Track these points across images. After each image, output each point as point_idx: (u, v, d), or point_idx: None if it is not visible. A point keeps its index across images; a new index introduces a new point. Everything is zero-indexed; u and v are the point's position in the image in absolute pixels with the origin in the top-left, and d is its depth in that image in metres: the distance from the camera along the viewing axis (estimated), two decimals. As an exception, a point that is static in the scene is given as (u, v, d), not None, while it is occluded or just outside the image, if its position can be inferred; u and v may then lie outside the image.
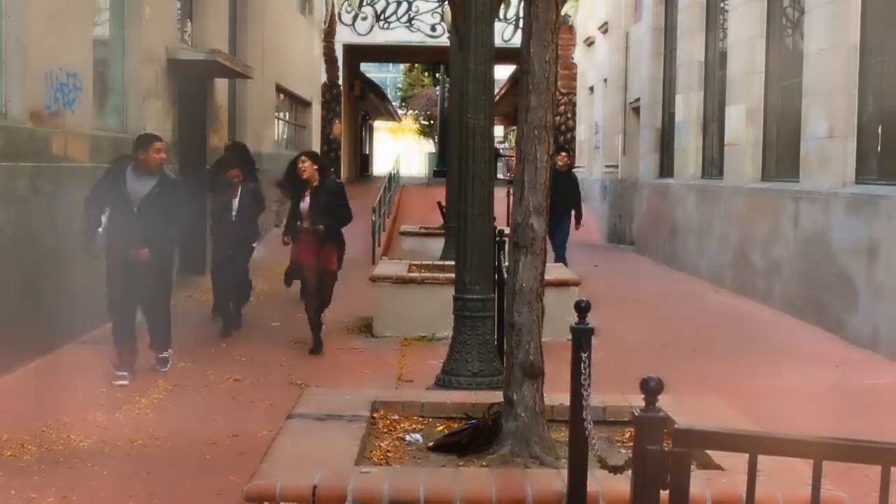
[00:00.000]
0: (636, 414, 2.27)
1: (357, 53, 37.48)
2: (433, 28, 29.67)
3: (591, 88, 26.92)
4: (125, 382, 7.45)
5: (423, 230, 14.94)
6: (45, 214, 8.35)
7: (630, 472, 2.33)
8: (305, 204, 8.95)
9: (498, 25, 7.34)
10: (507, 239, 5.48)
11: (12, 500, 4.82)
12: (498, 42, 7.28)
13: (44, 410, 6.55)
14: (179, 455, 5.64)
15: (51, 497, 4.86)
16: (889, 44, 9.99)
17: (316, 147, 30.18)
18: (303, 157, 9.21)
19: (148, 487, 5.07)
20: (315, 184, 8.98)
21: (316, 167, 9.14)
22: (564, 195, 13.26)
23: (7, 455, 5.54)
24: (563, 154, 14.58)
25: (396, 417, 4.50)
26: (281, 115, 24.17)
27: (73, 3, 9.58)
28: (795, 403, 7.17)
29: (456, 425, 4.29)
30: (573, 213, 14.00)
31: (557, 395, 3.95)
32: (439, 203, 13.84)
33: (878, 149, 10.26)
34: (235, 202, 10.08)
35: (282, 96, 23.69)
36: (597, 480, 3.30)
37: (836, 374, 8.52)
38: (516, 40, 4.77)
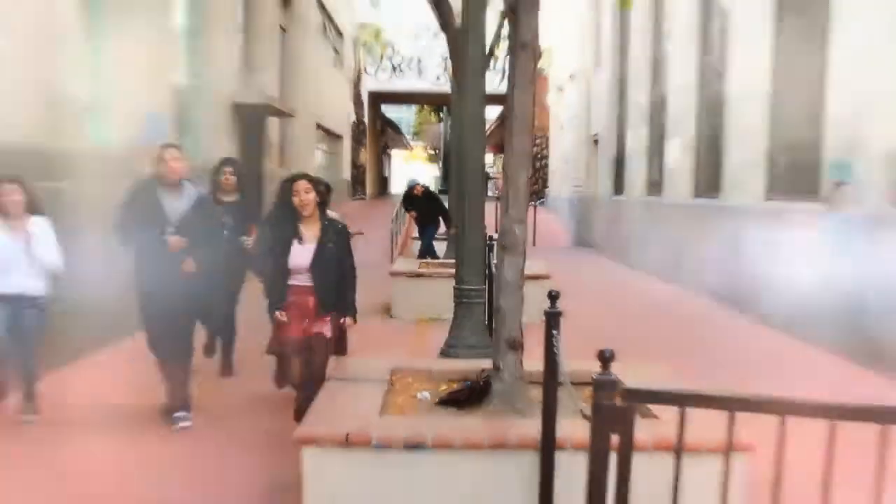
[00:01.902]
0: (594, 377, 2.29)
1: (378, 98, 37.49)
2: (438, 78, 29.83)
3: (561, 125, 26.90)
4: (188, 424, 5.40)
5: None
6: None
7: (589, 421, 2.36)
8: (301, 256, 5.01)
9: (488, 75, 7.35)
10: (495, 242, 5.52)
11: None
12: (488, 89, 7.29)
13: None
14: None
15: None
16: (789, 93, 10.01)
17: (346, 172, 30.19)
18: (300, 182, 5.08)
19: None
20: (316, 228, 5.08)
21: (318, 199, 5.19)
22: (431, 210, 13.73)
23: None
24: (420, 186, 14.39)
25: (410, 380, 4.53)
26: (319, 146, 24.18)
27: (162, 60, 9.62)
28: (716, 367, 7.21)
29: (456, 386, 4.31)
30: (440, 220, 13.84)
31: (534, 363, 3.98)
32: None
33: (784, 173, 10.29)
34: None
35: (320, 131, 23.70)
36: (563, 428, 3.33)
37: (746, 343, 8.56)
38: (503, 87, 4.77)
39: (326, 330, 5.05)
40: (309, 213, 5.05)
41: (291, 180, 5.11)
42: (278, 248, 5.03)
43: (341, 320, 5.10)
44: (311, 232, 5.07)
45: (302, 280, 5.04)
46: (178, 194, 5.44)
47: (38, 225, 5.49)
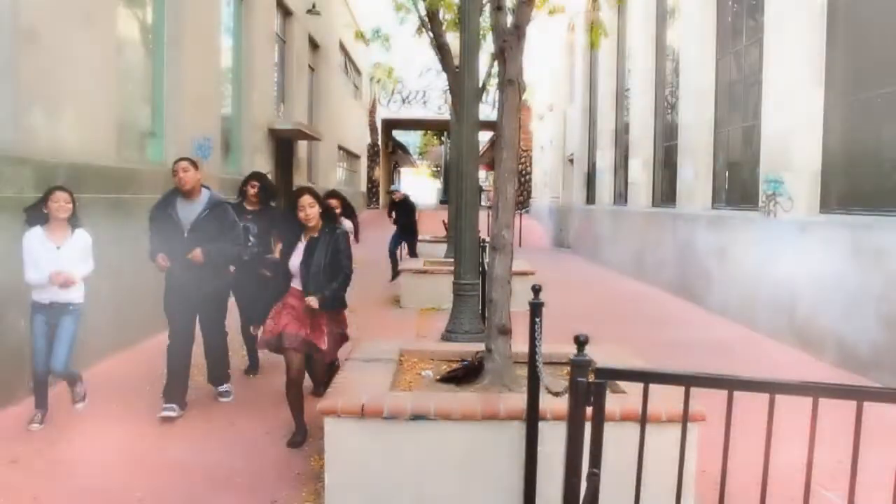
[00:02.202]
0: (571, 358, 2.26)
1: (390, 124, 37.49)
2: (439, 108, 29.82)
3: (542, 147, 26.90)
4: (172, 414, 4.86)
5: (433, 238, 14.93)
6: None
7: (567, 395, 2.32)
8: (297, 256, 4.50)
9: (481, 106, 7.32)
10: (487, 244, 5.48)
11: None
12: (481, 117, 7.25)
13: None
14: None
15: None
16: (733, 119, 9.99)
17: (363, 186, 30.17)
18: (304, 197, 4.52)
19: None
20: (315, 234, 4.51)
21: (321, 210, 4.58)
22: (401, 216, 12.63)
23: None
24: (399, 192, 13.12)
25: (416, 360, 4.49)
26: (341, 164, 24.17)
27: (208, 92, 9.59)
28: (674, 349, 7.17)
29: (455, 365, 4.27)
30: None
31: (520, 346, 3.94)
32: (443, 221, 13.83)
33: (726, 186, 10.28)
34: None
35: (341, 152, 23.69)
36: (545, 401, 3.29)
37: (697, 329, 8.52)
38: (493, 115, 4.75)
39: (322, 342, 4.38)
40: (314, 224, 4.48)
41: (296, 194, 4.53)
42: (286, 249, 4.57)
43: (307, 299, 4.32)
44: (309, 239, 4.53)
45: (298, 282, 4.47)
46: (194, 201, 5.02)
47: (81, 238, 4.77)
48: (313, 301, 4.29)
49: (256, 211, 6.10)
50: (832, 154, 7.44)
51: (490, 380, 3.86)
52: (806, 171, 7.63)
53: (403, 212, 12.79)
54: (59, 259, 4.65)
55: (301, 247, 4.48)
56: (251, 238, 5.87)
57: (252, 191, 6.15)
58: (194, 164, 5.08)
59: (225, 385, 5.46)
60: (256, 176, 6.34)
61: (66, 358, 4.72)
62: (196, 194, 5.05)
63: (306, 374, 4.72)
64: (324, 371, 4.75)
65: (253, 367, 6.21)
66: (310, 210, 4.45)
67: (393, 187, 13.16)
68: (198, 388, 5.48)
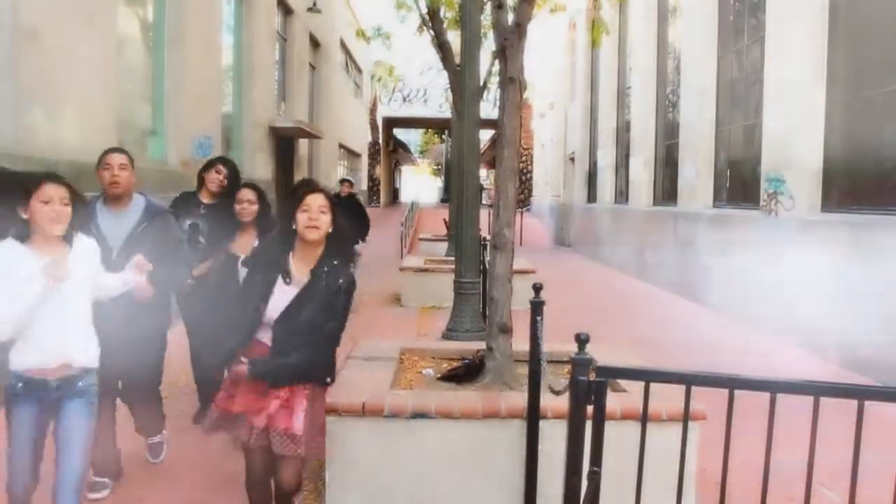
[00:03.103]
0: (572, 356, 2.25)
1: (391, 122, 37.47)
2: (440, 106, 29.81)
3: (543, 145, 26.88)
4: (103, 495, 3.59)
5: (434, 237, 14.93)
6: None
7: (568, 394, 2.32)
8: (281, 301, 2.77)
9: (482, 104, 7.32)
10: (488, 243, 5.48)
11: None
12: (482, 115, 7.25)
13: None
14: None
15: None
16: (734, 117, 9.98)
17: (363, 184, 30.13)
18: (317, 196, 2.80)
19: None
20: (311, 272, 2.80)
21: (332, 223, 2.82)
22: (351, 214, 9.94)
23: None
24: (347, 183, 10.17)
25: (416, 358, 4.48)
26: (341, 162, 24.17)
27: (209, 90, 9.59)
28: (674, 348, 7.16)
29: (455, 364, 4.27)
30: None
31: (521, 344, 3.94)
32: (444, 219, 13.82)
33: (727, 185, 10.27)
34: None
35: (342, 150, 23.69)
36: (546, 400, 3.29)
37: (698, 327, 8.52)
38: (494, 114, 4.74)
39: (297, 424, 2.75)
40: (316, 241, 2.79)
41: (303, 190, 2.83)
42: (257, 287, 2.81)
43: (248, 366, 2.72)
44: (303, 270, 2.81)
45: (267, 334, 2.80)
46: (124, 210, 3.60)
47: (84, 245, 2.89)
48: (244, 370, 2.72)
49: (213, 205, 4.62)
50: (834, 153, 7.43)
51: (491, 378, 3.86)
52: (807, 169, 7.62)
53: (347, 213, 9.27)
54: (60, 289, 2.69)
55: (288, 291, 2.78)
56: (200, 240, 4.47)
57: (218, 177, 4.70)
58: (131, 161, 3.69)
59: (157, 437, 4.08)
60: (223, 160, 4.86)
61: (82, 470, 2.75)
62: (127, 201, 3.63)
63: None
64: (295, 476, 2.86)
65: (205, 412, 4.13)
66: (321, 218, 2.76)
67: (344, 177, 9.73)
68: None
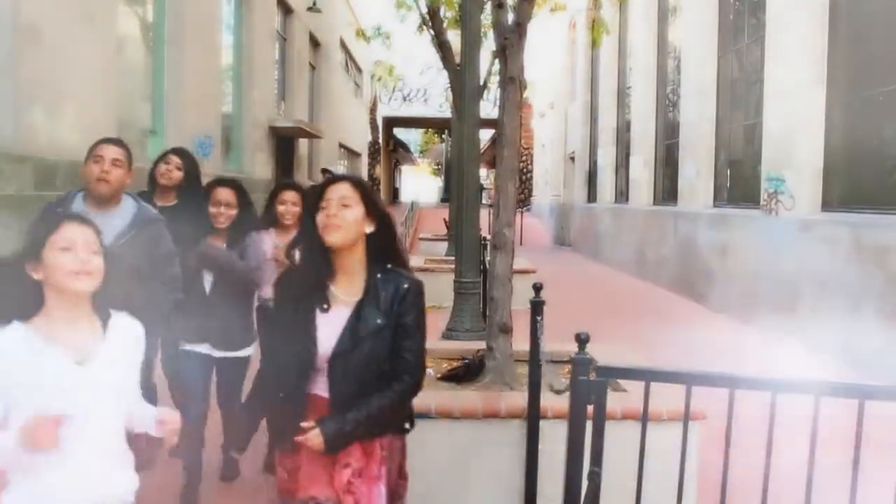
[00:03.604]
0: (572, 356, 2.25)
1: (391, 122, 37.46)
2: (440, 106, 29.78)
3: (543, 145, 26.88)
4: None
5: (434, 237, 14.91)
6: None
7: (568, 394, 2.32)
8: (327, 333, 2.03)
9: (482, 104, 7.32)
10: (488, 242, 5.47)
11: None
12: (482, 115, 7.24)
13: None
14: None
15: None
16: (734, 117, 9.98)
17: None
18: (343, 185, 2.07)
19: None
20: (362, 290, 2.07)
21: (369, 217, 2.07)
22: None
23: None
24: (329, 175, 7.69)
25: (417, 358, 4.47)
26: (341, 162, 24.17)
27: (209, 90, 9.59)
28: (675, 347, 7.16)
29: (455, 363, 4.27)
30: None
31: (521, 344, 3.93)
32: (444, 219, 13.82)
33: (727, 184, 10.26)
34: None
35: (342, 150, 23.69)
36: (546, 399, 3.29)
37: (699, 326, 8.51)
38: (494, 113, 4.74)
39: (376, 495, 2.08)
40: (352, 264, 2.13)
41: (327, 182, 2.15)
42: (290, 317, 2.12)
43: (312, 435, 2.01)
44: (350, 287, 2.13)
45: (322, 383, 2.11)
46: (109, 213, 2.95)
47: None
48: (317, 440, 2.00)
49: (170, 208, 3.72)
50: (834, 152, 7.42)
51: (491, 378, 3.86)
52: (807, 169, 7.61)
53: None
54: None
55: (336, 315, 2.09)
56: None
57: (167, 168, 3.79)
58: (129, 157, 3.05)
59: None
60: (177, 151, 3.94)
61: None
62: (114, 204, 3.00)
63: None
64: None
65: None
66: (343, 215, 2.06)
67: (325, 167, 7.77)
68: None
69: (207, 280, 3.46)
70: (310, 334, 2.08)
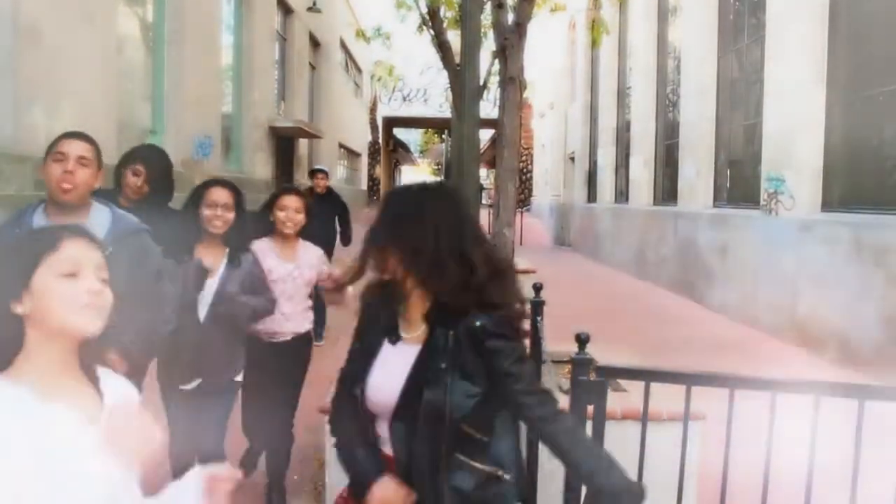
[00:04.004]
0: (573, 356, 2.26)
1: (391, 122, 37.43)
2: (440, 106, 29.79)
3: (543, 145, 26.88)
4: None
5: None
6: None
7: (568, 394, 2.32)
8: (391, 376, 1.54)
9: (482, 104, 7.29)
10: (488, 243, 5.45)
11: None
12: (482, 115, 7.23)
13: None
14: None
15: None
16: (734, 117, 9.98)
17: (363, 184, 30.15)
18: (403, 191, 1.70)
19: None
20: (424, 322, 1.57)
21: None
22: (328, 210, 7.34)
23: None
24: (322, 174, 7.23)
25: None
26: (341, 162, 24.18)
27: (209, 90, 9.58)
28: (675, 347, 7.16)
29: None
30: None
31: (521, 343, 3.92)
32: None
33: (727, 184, 10.26)
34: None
35: (342, 150, 23.69)
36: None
37: (698, 326, 8.51)
38: (494, 113, 4.75)
39: None
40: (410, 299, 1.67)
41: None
42: (356, 355, 1.73)
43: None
44: (416, 315, 1.68)
45: (387, 441, 1.67)
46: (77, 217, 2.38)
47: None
48: None
49: (137, 201, 3.32)
50: (834, 152, 7.43)
51: (491, 378, 3.85)
52: (807, 169, 7.62)
53: (326, 211, 6.90)
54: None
55: (396, 352, 1.67)
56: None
57: (135, 181, 3.35)
58: (98, 153, 2.49)
59: None
60: (143, 157, 3.43)
61: None
62: (83, 212, 2.43)
63: None
64: None
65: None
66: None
67: (316, 167, 7.51)
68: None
69: (203, 304, 2.85)
70: (367, 374, 1.73)
